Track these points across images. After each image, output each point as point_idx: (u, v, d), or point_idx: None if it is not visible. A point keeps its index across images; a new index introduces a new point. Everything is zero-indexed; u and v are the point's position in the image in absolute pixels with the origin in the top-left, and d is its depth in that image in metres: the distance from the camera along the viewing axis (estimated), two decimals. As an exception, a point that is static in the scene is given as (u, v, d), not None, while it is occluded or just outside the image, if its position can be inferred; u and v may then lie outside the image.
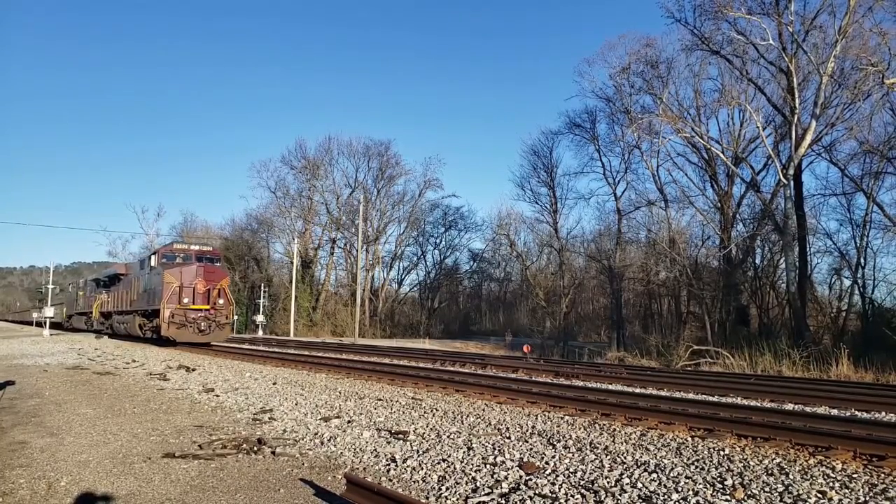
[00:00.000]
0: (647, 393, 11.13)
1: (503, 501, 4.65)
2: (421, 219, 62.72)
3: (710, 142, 32.19)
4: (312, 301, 55.68)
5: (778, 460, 5.84)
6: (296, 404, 9.37)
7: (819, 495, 4.70)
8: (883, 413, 9.12)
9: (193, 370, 14.61)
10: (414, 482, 5.23)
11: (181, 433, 7.26)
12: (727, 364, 20.32)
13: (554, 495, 4.75)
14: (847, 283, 30.06)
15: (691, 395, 10.99)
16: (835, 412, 9.28)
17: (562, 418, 8.20)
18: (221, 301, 22.93)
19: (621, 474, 5.31)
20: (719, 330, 31.13)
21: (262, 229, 62.05)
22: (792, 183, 26.19)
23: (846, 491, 4.83)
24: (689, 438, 6.91)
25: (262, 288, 51.46)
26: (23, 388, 11.64)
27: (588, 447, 6.38)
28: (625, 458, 5.91)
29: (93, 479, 5.31)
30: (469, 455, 6.05)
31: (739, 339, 24.91)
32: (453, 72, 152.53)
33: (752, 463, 5.73)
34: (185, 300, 22.08)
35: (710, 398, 10.57)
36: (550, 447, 6.40)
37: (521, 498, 4.69)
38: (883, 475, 5.32)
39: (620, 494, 4.74)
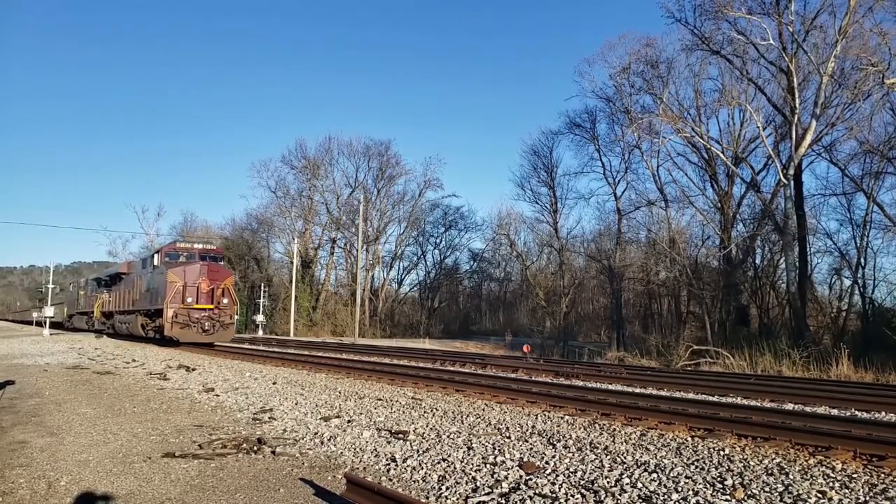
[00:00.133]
0: (647, 393, 11.13)
1: (503, 501, 4.65)
2: (421, 219, 62.76)
3: (710, 142, 32.21)
4: (312, 301, 55.67)
5: (778, 460, 5.84)
6: (296, 404, 9.37)
7: (819, 495, 4.70)
8: (883, 413, 9.12)
9: (193, 370, 14.61)
10: (414, 482, 5.23)
11: (181, 433, 7.26)
12: (727, 364, 20.32)
13: (554, 495, 4.75)
14: (847, 283, 30.10)
15: (691, 395, 10.98)
16: (835, 412, 9.28)
17: (562, 418, 8.20)
18: (225, 300, 22.66)
19: (621, 474, 5.31)
20: (719, 330, 31.13)
21: (262, 229, 62.09)
22: (792, 183, 26.18)
23: (846, 491, 4.83)
24: (689, 438, 6.91)
25: (262, 288, 51.44)
26: (23, 387, 11.64)
27: (588, 447, 6.38)
28: (625, 457, 5.91)
29: (93, 478, 5.31)
30: (469, 455, 6.05)
31: (739, 339, 24.90)
32: (453, 72, 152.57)
33: (752, 463, 5.73)
34: (189, 300, 21.84)
35: (710, 398, 10.57)
36: (550, 447, 6.40)
37: (521, 498, 4.69)
38: (883, 475, 5.32)
39: (620, 494, 4.74)
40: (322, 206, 59.40)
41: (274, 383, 11.99)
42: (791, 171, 25.81)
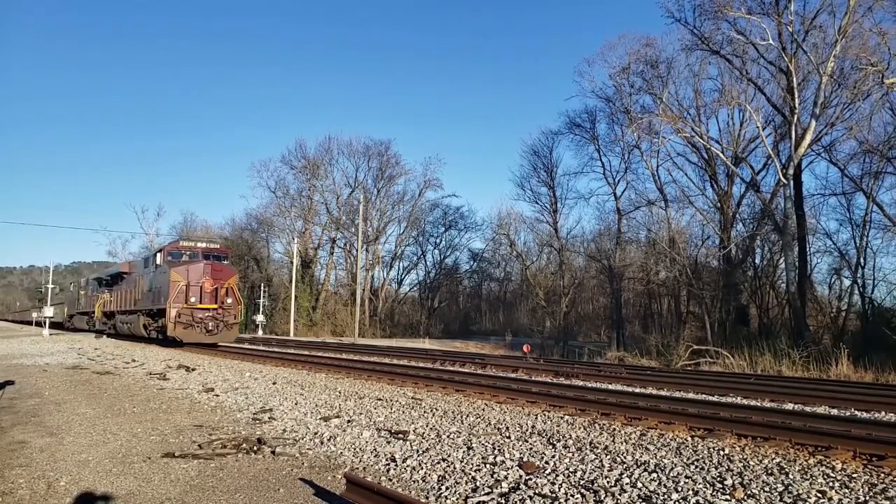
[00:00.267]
0: (646, 393, 11.13)
1: (503, 501, 4.65)
2: (421, 218, 62.76)
3: (710, 142, 32.21)
4: (312, 301, 55.66)
5: (778, 460, 5.84)
6: (295, 404, 9.37)
7: (819, 495, 4.70)
8: (883, 413, 9.13)
9: (193, 370, 14.60)
10: (414, 482, 5.23)
11: (181, 433, 7.25)
12: (727, 364, 20.32)
13: (554, 495, 4.75)
14: (847, 282, 30.10)
15: (691, 395, 10.99)
16: (834, 412, 9.29)
17: (562, 418, 8.20)
18: (230, 300, 22.28)
19: (621, 474, 5.31)
20: (719, 330, 31.12)
21: (262, 229, 62.08)
22: (792, 183, 26.18)
23: (846, 490, 4.83)
24: (689, 438, 6.91)
25: (262, 288, 51.43)
26: (22, 387, 11.64)
27: (588, 447, 6.38)
28: (625, 457, 5.90)
29: (92, 478, 5.30)
30: (469, 455, 6.05)
31: (739, 338, 24.90)
32: (453, 72, 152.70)
33: (751, 463, 5.73)
34: (192, 299, 21.45)
35: (710, 398, 10.57)
36: (550, 447, 6.40)
37: (520, 497, 4.69)
38: (883, 475, 5.32)
39: (620, 494, 4.74)
40: (322, 206, 59.46)
41: (274, 383, 11.98)
42: (791, 171, 25.81)
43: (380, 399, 9.88)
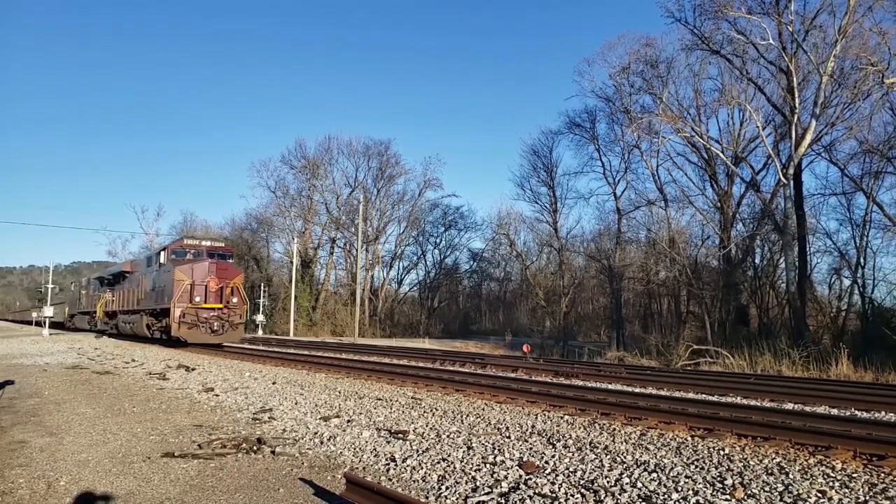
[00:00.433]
0: (646, 392, 11.12)
1: (503, 501, 4.64)
2: (421, 218, 62.75)
3: (710, 141, 32.20)
4: (312, 301, 55.64)
5: (778, 460, 5.83)
6: (295, 404, 9.36)
7: (819, 495, 4.70)
8: (883, 413, 9.12)
9: (193, 370, 14.60)
10: (414, 482, 5.23)
11: (181, 433, 7.25)
12: (727, 364, 20.31)
13: (554, 495, 4.75)
14: (847, 282, 30.10)
15: (691, 395, 10.98)
16: (834, 412, 9.28)
17: (561, 418, 8.20)
18: (235, 299, 21.95)
19: (621, 474, 5.31)
20: (719, 330, 31.12)
21: (261, 229, 62.07)
22: (792, 182, 26.18)
23: (846, 490, 4.83)
24: (689, 438, 6.90)
25: (262, 287, 51.42)
26: (22, 387, 11.63)
27: (588, 447, 6.38)
28: (624, 457, 5.90)
29: (92, 478, 5.30)
30: (469, 454, 6.05)
31: (739, 338, 24.89)
32: (453, 72, 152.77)
33: (752, 462, 5.72)
34: (197, 299, 21.08)
35: (710, 398, 10.57)
36: (550, 447, 6.39)
37: (520, 497, 4.69)
38: (883, 475, 5.32)
39: (620, 494, 4.74)
40: (322, 206, 59.44)
41: (273, 383, 11.98)
42: (791, 171, 25.81)
43: (380, 399, 9.87)
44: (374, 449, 6.36)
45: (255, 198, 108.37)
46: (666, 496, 4.68)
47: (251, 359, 18.19)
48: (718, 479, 5.15)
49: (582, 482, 5.08)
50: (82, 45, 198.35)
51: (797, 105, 25.08)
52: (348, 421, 7.94)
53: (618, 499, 4.63)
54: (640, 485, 4.97)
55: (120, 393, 10.76)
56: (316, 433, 7.19)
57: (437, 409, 8.76)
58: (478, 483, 5.10)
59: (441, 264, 66.05)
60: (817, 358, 19.05)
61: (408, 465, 5.68)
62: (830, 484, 5.00)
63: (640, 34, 39.23)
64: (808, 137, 24.84)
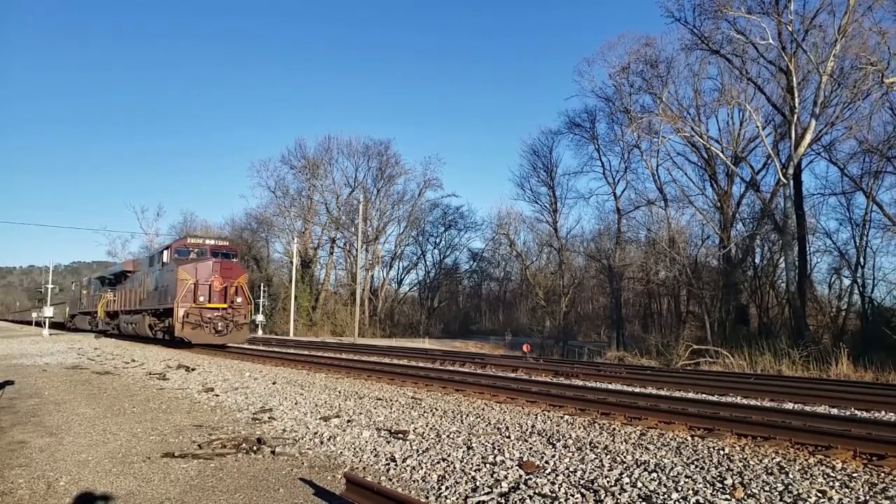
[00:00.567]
0: (646, 392, 11.13)
1: (503, 501, 4.64)
2: (421, 218, 62.76)
3: (710, 141, 32.19)
4: (312, 301, 55.65)
5: (778, 459, 5.83)
6: (295, 404, 9.36)
7: (819, 494, 4.70)
8: (882, 412, 9.12)
9: (193, 370, 14.60)
10: (414, 481, 5.22)
11: (180, 433, 7.25)
12: (727, 363, 20.31)
13: (554, 495, 4.75)
14: (847, 282, 30.08)
15: (691, 395, 10.98)
16: (834, 411, 9.28)
17: (561, 417, 8.20)
18: (239, 299, 21.59)
19: (621, 473, 5.30)
20: (719, 329, 31.12)
21: (261, 229, 62.10)
22: (791, 182, 26.18)
23: (846, 490, 4.83)
24: (689, 438, 6.90)
25: (262, 287, 51.41)
26: (22, 387, 11.63)
27: (588, 446, 6.38)
28: (624, 457, 5.90)
29: (92, 478, 5.30)
30: (469, 454, 6.05)
31: (739, 338, 24.89)
32: (453, 72, 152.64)
33: (751, 462, 5.72)
34: (201, 298, 20.72)
35: (710, 397, 10.57)
36: (550, 446, 6.39)
37: (520, 497, 4.69)
38: (883, 474, 5.32)
39: (620, 494, 4.74)
40: (322, 206, 59.46)
41: (273, 383, 11.98)
42: (790, 171, 25.81)
43: (379, 399, 9.87)
44: (374, 449, 6.36)
45: (255, 198, 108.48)
46: (666, 496, 4.68)
47: (251, 359, 18.19)
48: (718, 478, 5.15)
49: (582, 482, 5.08)
50: (82, 45, 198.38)
51: (797, 105, 25.08)
52: (348, 421, 7.94)
53: (618, 499, 4.63)
54: (640, 485, 4.97)
55: (120, 393, 10.76)
56: (316, 433, 7.19)
57: (437, 409, 8.76)
58: (478, 483, 5.10)
59: (441, 264, 66.10)
60: (817, 358, 19.05)
61: (408, 465, 5.68)
62: (830, 484, 5.00)
63: (639, 34, 39.28)
64: (808, 137, 24.84)
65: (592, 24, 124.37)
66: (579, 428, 7.45)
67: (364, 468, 5.66)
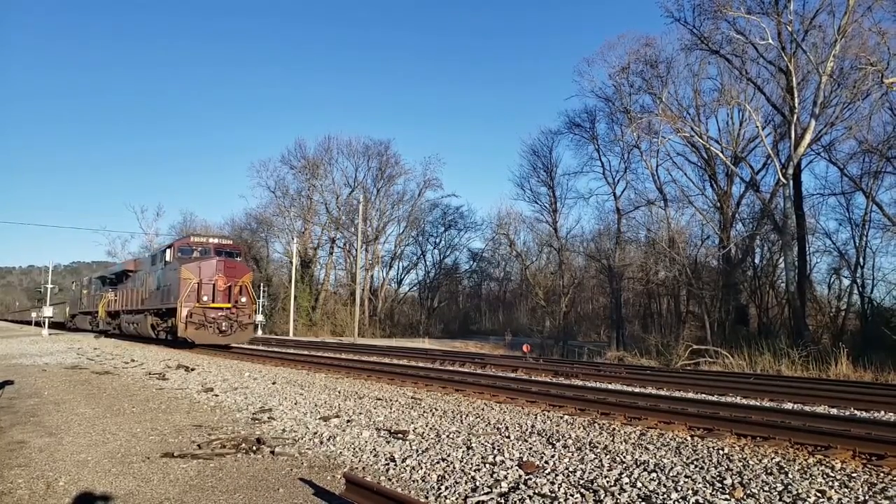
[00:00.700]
0: (646, 392, 11.13)
1: (502, 501, 4.64)
2: (420, 218, 62.76)
3: (710, 141, 32.19)
4: (312, 301, 55.64)
5: (777, 459, 5.84)
6: (295, 404, 9.36)
7: (818, 494, 4.70)
8: (882, 412, 9.12)
9: (192, 370, 14.59)
10: (413, 481, 5.22)
11: (180, 433, 7.25)
12: (726, 363, 20.32)
13: (553, 495, 4.75)
14: (846, 282, 30.10)
15: (691, 395, 10.98)
16: (834, 411, 9.29)
17: (561, 418, 8.20)
18: (244, 299, 21.31)
19: (621, 473, 5.31)
20: (719, 329, 31.12)
21: (261, 229, 62.11)
22: (791, 182, 26.18)
23: (845, 490, 4.83)
24: (689, 438, 6.90)
25: (262, 287, 51.39)
26: (21, 387, 11.63)
27: (587, 446, 6.38)
28: (624, 457, 5.90)
29: (91, 478, 5.30)
30: (468, 454, 6.05)
31: (739, 338, 24.90)
32: (453, 72, 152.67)
33: (751, 462, 5.72)
34: (205, 298, 20.37)
35: (710, 397, 10.57)
36: (550, 446, 6.39)
37: (520, 497, 4.69)
38: (882, 474, 5.32)
39: (620, 494, 4.74)
40: (321, 206, 59.47)
41: (273, 383, 11.98)
42: (790, 171, 25.81)
43: (379, 399, 9.87)
44: (374, 449, 6.36)
45: (255, 198, 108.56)
46: (665, 496, 4.68)
47: (251, 359, 18.19)
48: (718, 478, 5.15)
49: (581, 482, 5.08)
50: (82, 45, 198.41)
51: (796, 105, 25.09)
52: (348, 421, 7.94)
53: (617, 498, 4.63)
54: (639, 484, 4.97)
55: (119, 393, 10.75)
56: (315, 433, 7.19)
57: (436, 409, 8.76)
58: (477, 483, 5.10)
59: (441, 264, 66.10)
60: (817, 358, 19.05)
61: (407, 465, 5.68)
62: (830, 483, 5.01)
63: (639, 34, 39.28)
64: (808, 137, 24.85)
65: (592, 24, 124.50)
66: (579, 428, 7.45)
67: (364, 468, 5.66)
